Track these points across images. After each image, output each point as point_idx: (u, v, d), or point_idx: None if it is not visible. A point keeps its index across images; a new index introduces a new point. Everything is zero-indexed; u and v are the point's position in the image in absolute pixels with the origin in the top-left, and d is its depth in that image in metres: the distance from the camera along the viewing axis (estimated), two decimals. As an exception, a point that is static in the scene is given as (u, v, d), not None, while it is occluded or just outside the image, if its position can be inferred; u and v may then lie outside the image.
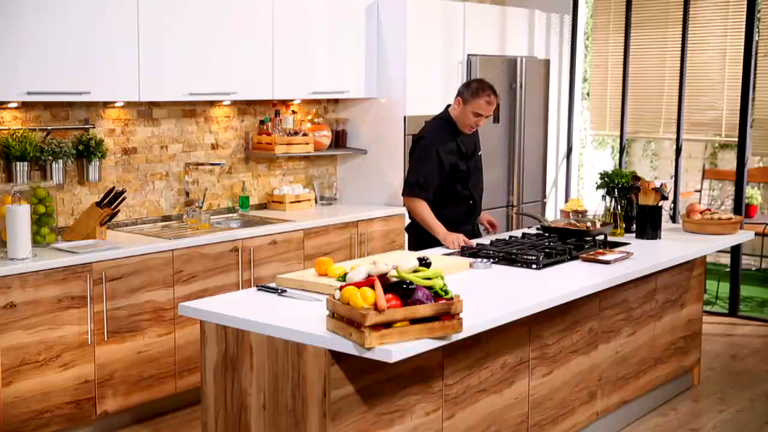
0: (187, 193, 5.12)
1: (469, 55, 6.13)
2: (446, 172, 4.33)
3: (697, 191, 8.12)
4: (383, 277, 2.73)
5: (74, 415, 4.09)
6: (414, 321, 2.66)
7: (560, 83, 7.28)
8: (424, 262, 2.91)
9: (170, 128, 5.06)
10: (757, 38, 6.38)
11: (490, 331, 3.17)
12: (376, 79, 5.78)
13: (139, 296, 4.28)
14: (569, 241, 4.22)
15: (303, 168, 5.86)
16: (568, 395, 3.87)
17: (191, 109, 5.16)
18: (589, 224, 4.38)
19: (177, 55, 4.64)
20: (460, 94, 4.33)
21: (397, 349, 2.59)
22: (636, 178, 4.74)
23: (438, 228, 4.26)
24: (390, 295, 2.66)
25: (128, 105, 4.80)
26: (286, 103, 5.67)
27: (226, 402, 3.02)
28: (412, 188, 4.34)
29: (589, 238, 4.27)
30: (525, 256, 3.89)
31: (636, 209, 4.63)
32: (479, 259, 3.83)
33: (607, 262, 3.91)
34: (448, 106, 4.46)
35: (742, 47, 6.37)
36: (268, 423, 2.89)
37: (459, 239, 4.17)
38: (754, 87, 6.56)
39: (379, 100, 5.80)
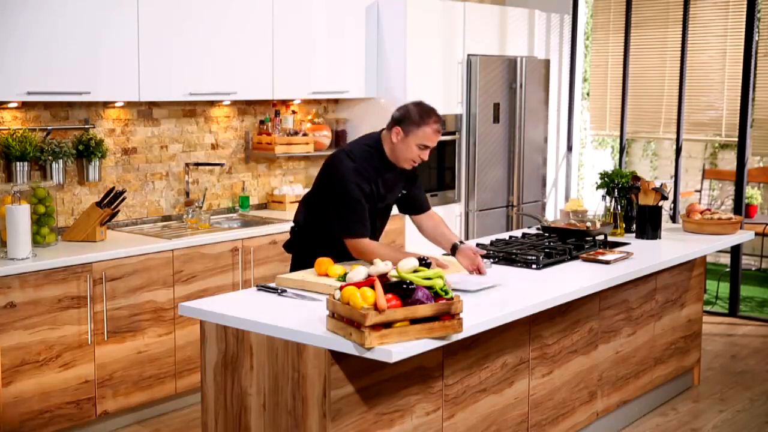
0: (187, 193, 5.12)
1: (469, 55, 6.13)
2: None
3: (697, 191, 8.12)
4: (383, 277, 2.73)
5: (74, 415, 4.09)
6: (414, 321, 2.66)
7: (560, 83, 7.28)
8: (424, 262, 2.91)
9: (170, 128, 5.06)
10: (757, 38, 6.38)
11: (490, 331, 3.17)
12: (376, 79, 5.79)
13: (139, 296, 4.28)
14: (569, 241, 4.22)
15: (303, 168, 5.86)
16: (568, 395, 3.87)
17: (191, 109, 5.16)
18: (589, 224, 4.38)
19: (177, 55, 4.64)
20: (399, 122, 3.51)
21: (397, 349, 2.59)
22: (636, 178, 4.74)
23: (399, 256, 3.20)
24: (390, 295, 2.66)
25: (128, 105, 4.81)
26: (286, 103, 5.67)
27: (226, 402, 3.02)
28: (352, 228, 3.52)
29: (589, 238, 4.27)
30: (525, 256, 3.88)
31: (636, 209, 4.63)
32: (479, 259, 3.82)
33: (607, 262, 3.91)
34: (382, 130, 3.66)
35: (742, 47, 6.37)
36: (268, 423, 2.89)
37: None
38: (754, 87, 6.56)
39: (379, 100, 5.80)
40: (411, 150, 3.51)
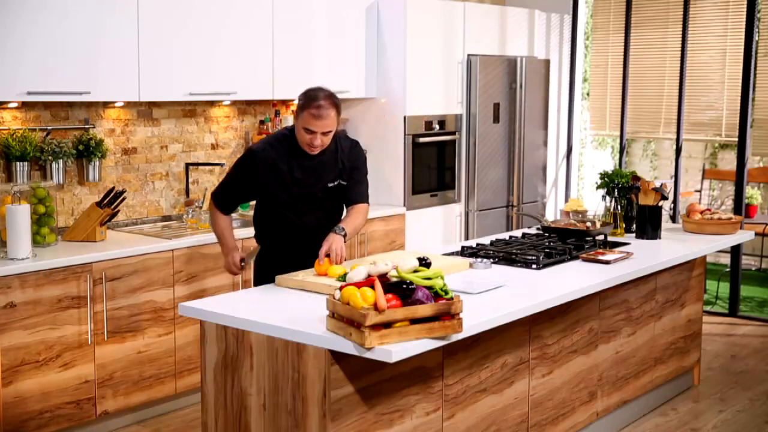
0: (187, 193, 5.12)
1: (469, 55, 6.13)
2: (248, 193, 3.68)
3: (697, 191, 8.12)
4: (383, 277, 2.73)
5: (74, 415, 4.09)
6: (414, 321, 2.66)
7: (560, 83, 7.28)
8: (424, 262, 2.91)
9: (170, 128, 5.06)
10: (757, 38, 6.38)
11: (490, 331, 3.17)
12: (376, 79, 5.78)
13: (139, 296, 4.28)
14: (569, 241, 4.22)
15: (303, 168, 5.85)
16: (568, 395, 3.87)
17: (191, 109, 5.16)
18: (589, 224, 4.38)
19: (177, 55, 4.64)
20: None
21: (397, 349, 2.59)
22: (636, 178, 4.74)
23: (225, 242, 3.74)
24: (390, 295, 2.66)
25: (128, 105, 4.81)
26: (286, 103, 5.67)
27: (226, 402, 3.02)
28: (216, 196, 3.74)
29: (589, 238, 4.27)
30: (525, 256, 3.89)
31: (636, 209, 4.63)
32: (479, 259, 3.82)
33: (607, 262, 3.91)
34: None
35: (742, 47, 6.37)
36: (268, 423, 2.89)
37: (232, 265, 3.71)
38: (754, 87, 6.56)
39: (379, 100, 5.80)
40: (301, 133, 3.51)
